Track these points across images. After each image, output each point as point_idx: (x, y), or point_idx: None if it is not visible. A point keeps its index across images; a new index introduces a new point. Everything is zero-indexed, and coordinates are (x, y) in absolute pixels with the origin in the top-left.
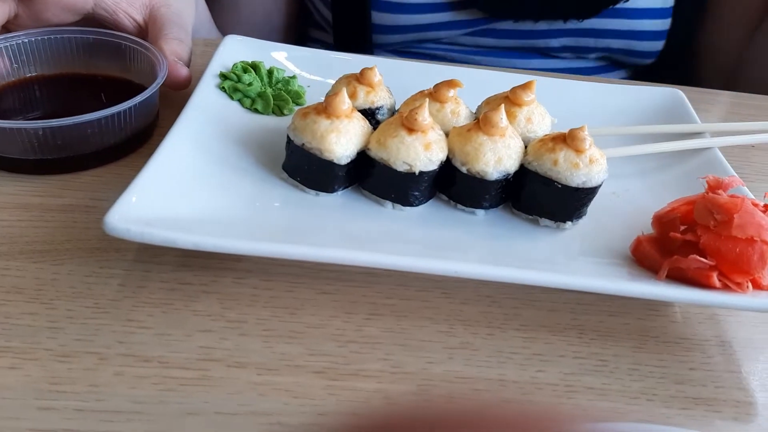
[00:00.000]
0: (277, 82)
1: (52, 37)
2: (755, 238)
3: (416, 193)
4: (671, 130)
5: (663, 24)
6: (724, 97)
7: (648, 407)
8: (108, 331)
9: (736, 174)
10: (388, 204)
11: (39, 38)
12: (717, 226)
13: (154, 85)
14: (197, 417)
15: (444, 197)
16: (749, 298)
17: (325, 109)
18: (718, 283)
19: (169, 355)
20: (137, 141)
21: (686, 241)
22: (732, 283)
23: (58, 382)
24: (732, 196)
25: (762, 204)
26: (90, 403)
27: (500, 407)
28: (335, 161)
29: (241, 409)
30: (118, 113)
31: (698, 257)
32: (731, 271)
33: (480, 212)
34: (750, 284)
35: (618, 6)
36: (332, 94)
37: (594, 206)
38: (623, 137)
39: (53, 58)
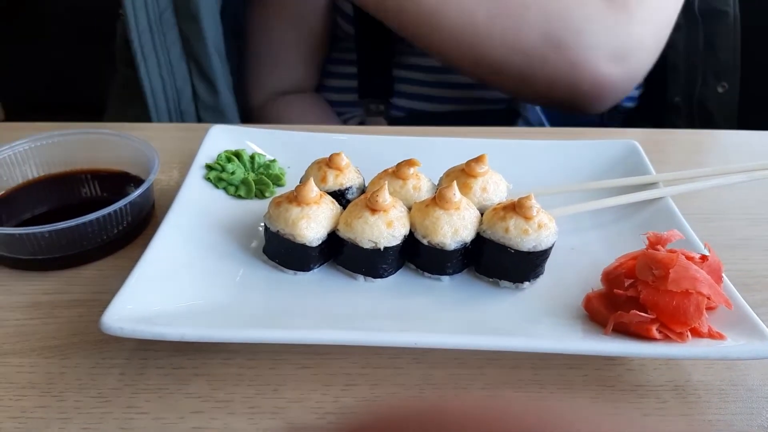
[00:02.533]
0: (259, 167)
1: (53, 140)
2: (690, 291)
3: (384, 266)
4: (625, 183)
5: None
6: (689, 135)
7: None
8: (111, 418)
9: (685, 221)
10: (360, 277)
11: (42, 143)
12: (655, 281)
13: (146, 182)
14: None
15: (412, 266)
16: (688, 347)
17: (295, 197)
18: (658, 335)
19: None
20: (135, 233)
21: (629, 297)
22: (672, 334)
23: None
24: (670, 251)
25: (698, 256)
26: None
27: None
28: (307, 244)
29: None
30: (116, 211)
31: (638, 312)
32: (670, 322)
33: (445, 278)
34: (689, 333)
35: None
36: (302, 183)
37: (553, 263)
38: (582, 192)
39: (56, 159)
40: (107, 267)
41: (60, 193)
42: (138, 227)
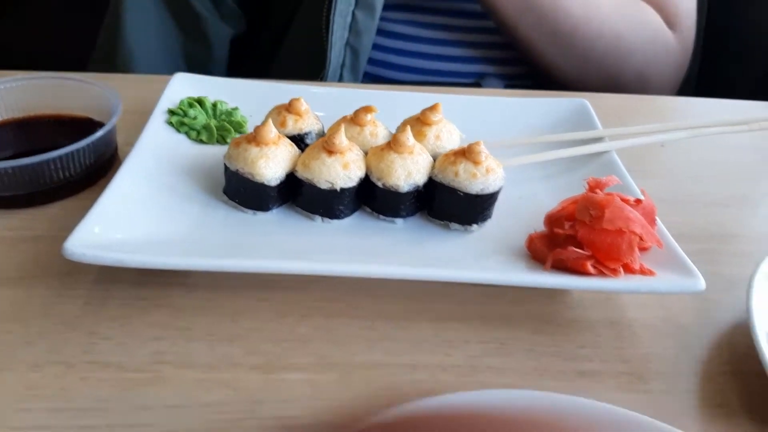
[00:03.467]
0: (221, 114)
1: (17, 84)
2: (624, 230)
3: (341, 207)
4: (573, 137)
5: None
6: (634, 101)
7: (539, 381)
8: (74, 343)
9: (628, 174)
10: (318, 218)
11: (5, 86)
12: (592, 220)
13: (108, 124)
14: (150, 410)
15: (368, 209)
16: (620, 281)
17: (254, 138)
18: (592, 270)
19: (126, 361)
20: (98, 174)
21: (568, 236)
22: (606, 269)
23: (32, 387)
24: (607, 195)
25: (633, 200)
26: (59, 404)
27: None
28: (266, 183)
29: (188, 402)
30: (78, 150)
31: (575, 249)
32: (605, 258)
33: (399, 221)
34: (622, 269)
35: None
36: (261, 124)
37: (500, 209)
38: (534, 146)
39: (20, 103)
40: (71, 206)
41: (24, 136)
42: (101, 168)
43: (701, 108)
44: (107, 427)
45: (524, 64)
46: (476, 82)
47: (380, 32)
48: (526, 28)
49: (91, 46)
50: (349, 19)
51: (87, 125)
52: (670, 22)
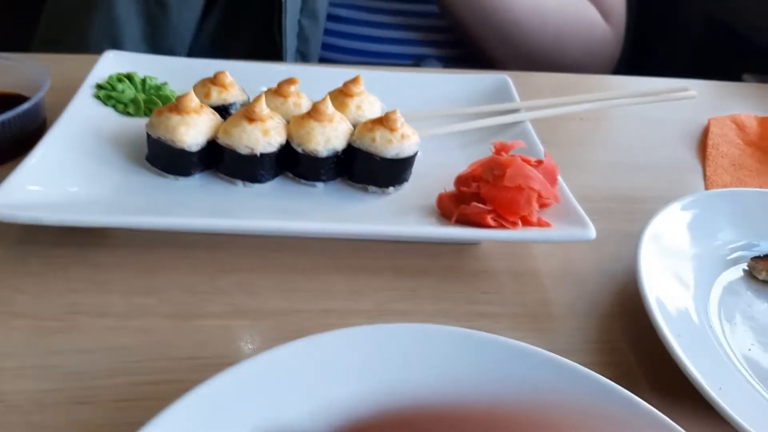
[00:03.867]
0: (150, 89)
1: None
2: (523, 186)
3: (262, 172)
4: (490, 109)
5: None
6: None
7: (442, 321)
8: None
9: (539, 142)
10: (240, 182)
11: None
12: (495, 179)
13: (35, 97)
14: (61, 354)
15: (290, 175)
16: (517, 232)
17: (176, 107)
18: (492, 223)
19: (41, 312)
20: (26, 145)
21: (473, 194)
22: (506, 222)
23: None
24: (510, 157)
25: (535, 160)
26: None
27: None
28: (186, 149)
29: (100, 346)
30: (4, 121)
31: (477, 204)
32: (505, 213)
33: (320, 185)
34: (521, 222)
35: None
36: (182, 95)
37: (417, 174)
38: (455, 118)
39: None
40: None
41: None
42: (28, 140)
43: (619, 84)
44: (16, 369)
45: (463, 46)
46: (414, 63)
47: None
48: (476, 24)
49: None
50: (296, 29)
51: (16, 100)
52: (605, 13)
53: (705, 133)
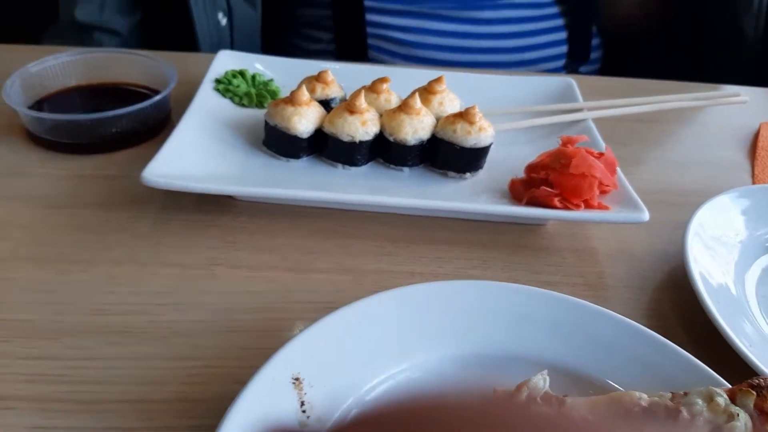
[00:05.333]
0: (259, 84)
1: (87, 56)
2: (586, 174)
3: (359, 157)
4: (556, 108)
5: None
6: (616, 82)
7: None
8: (144, 249)
9: (601, 139)
10: (339, 165)
11: (78, 57)
12: (561, 167)
13: (167, 89)
14: (207, 294)
15: (381, 161)
16: (581, 213)
17: (290, 100)
18: (559, 204)
19: (187, 262)
20: (155, 130)
21: (542, 179)
22: (570, 204)
23: (114, 277)
24: (575, 148)
25: (596, 152)
26: (136, 289)
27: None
28: (298, 135)
29: (237, 289)
30: (143, 108)
31: (546, 188)
32: (570, 196)
33: (406, 170)
34: (583, 205)
35: None
36: (295, 90)
37: (490, 164)
38: (525, 115)
39: (87, 72)
40: (134, 154)
41: (95, 97)
42: (157, 126)
43: (675, 89)
44: (174, 305)
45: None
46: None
47: (376, 25)
48: None
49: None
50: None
51: (144, 92)
52: None
53: (756, 136)
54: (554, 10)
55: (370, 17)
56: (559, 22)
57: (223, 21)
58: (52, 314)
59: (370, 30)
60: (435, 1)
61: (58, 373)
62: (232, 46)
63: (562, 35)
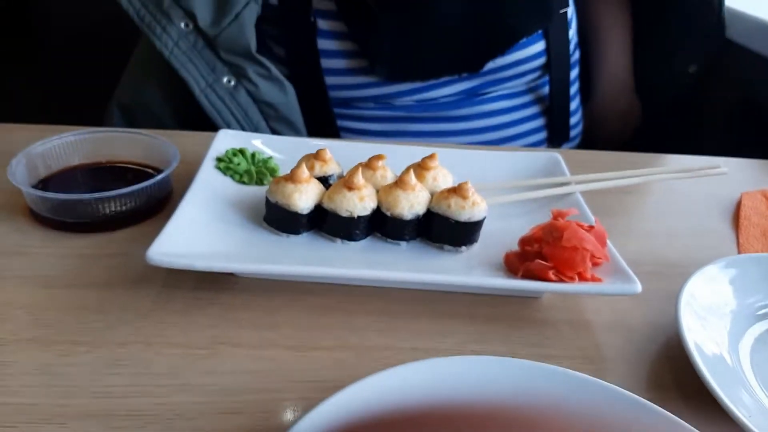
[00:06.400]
0: (258, 162)
1: (91, 135)
2: (578, 246)
3: (357, 232)
4: (545, 182)
5: (540, 46)
6: (605, 156)
7: None
8: (147, 327)
9: (589, 211)
10: (338, 240)
11: (82, 137)
12: (554, 240)
13: (169, 168)
14: (212, 374)
15: (378, 235)
16: (575, 285)
17: (291, 177)
18: (554, 277)
19: (190, 342)
20: (156, 209)
21: (536, 252)
22: (565, 277)
23: (120, 358)
24: (566, 222)
25: (587, 225)
26: (142, 370)
27: None
28: (299, 212)
29: (241, 369)
30: (145, 187)
31: (540, 261)
32: (563, 269)
33: (403, 243)
34: (577, 277)
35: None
36: (295, 167)
37: (484, 236)
38: (514, 189)
39: (90, 152)
40: (135, 233)
41: (98, 176)
42: (159, 205)
43: (659, 161)
44: (179, 386)
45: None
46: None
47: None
48: None
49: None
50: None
51: (145, 171)
52: None
53: (738, 206)
54: (530, 98)
55: (342, 123)
56: (537, 109)
57: (231, 83)
58: (56, 398)
59: (343, 134)
60: (411, 108)
61: None
62: (270, 126)
63: (541, 122)
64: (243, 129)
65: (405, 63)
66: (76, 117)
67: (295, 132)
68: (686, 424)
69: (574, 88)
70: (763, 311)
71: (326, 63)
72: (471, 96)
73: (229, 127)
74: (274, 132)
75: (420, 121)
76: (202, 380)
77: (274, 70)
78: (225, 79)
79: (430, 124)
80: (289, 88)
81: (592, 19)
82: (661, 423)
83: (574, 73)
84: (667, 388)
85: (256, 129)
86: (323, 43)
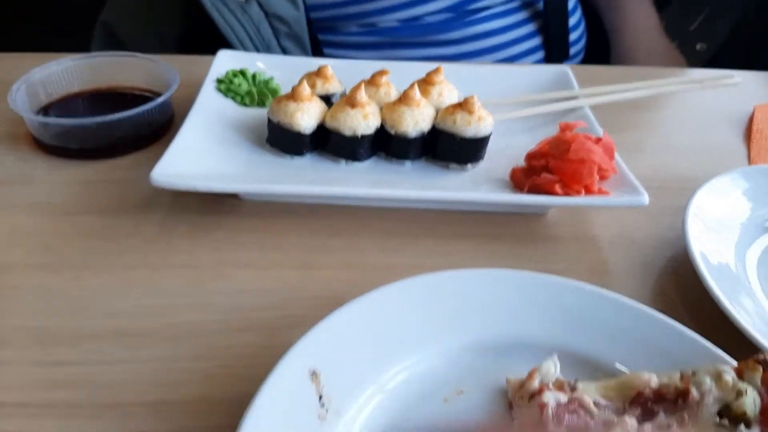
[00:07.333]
0: (260, 83)
1: (90, 60)
2: (585, 159)
3: (361, 151)
4: (553, 96)
5: None
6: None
7: None
8: (155, 253)
9: (597, 124)
10: (342, 161)
11: (81, 62)
12: (560, 153)
13: (169, 91)
14: (217, 294)
15: (383, 155)
16: (581, 198)
17: (292, 96)
18: (560, 191)
19: (197, 263)
20: (159, 133)
21: (542, 166)
22: (571, 190)
23: (126, 281)
24: (574, 134)
25: (595, 137)
26: (148, 291)
27: None
28: (302, 132)
29: (246, 288)
30: (145, 111)
31: (547, 174)
32: (570, 182)
33: (408, 163)
34: (584, 190)
35: None
36: (297, 85)
37: (490, 154)
38: (522, 104)
39: (91, 77)
40: (139, 158)
41: (99, 102)
42: (161, 129)
43: (669, 74)
44: (187, 305)
45: None
46: None
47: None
48: None
49: None
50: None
51: (149, 95)
52: None
53: (751, 119)
54: (524, 15)
55: (328, 51)
56: (532, 27)
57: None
58: (67, 320)
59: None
60: (397, 31)
61: (77, 378)
62: (280, 44)
63: (538, 41)
64: (256, 47)
65: None
66: (63, 42)
67: (303, 53)
68: (691, 332)
69: (572, 2)
70: None
71: None
72: (460, 15)
73: (242, 44)
74: (285, 52)
75: (408, 47)
76: (210, 300)
77: None
78: None
79: (418, 49)
80: (300, 2)
81: None
82: (665, 331)
83: None
84: (671, 299)
85: (267, 47)
86: None
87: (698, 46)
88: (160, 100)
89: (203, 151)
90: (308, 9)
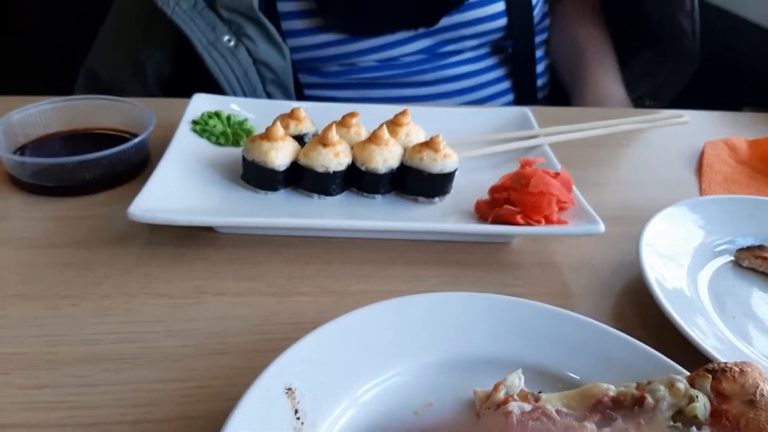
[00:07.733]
0: (234, 124)
1: (67, 103)
2: (544, 192)
3: (333, 186)
4: (515, 135)
5: (499, 6)
6: (568, 111)
7: None
8: (133, 282)
9: (556, 160)
10: (315, 196)
11: (58, 105)
12: (521, 187)
13: (146, 132)
14: (195, 320)
15: (354, 190)
16: (541, 228)
17: (266, 135)
18: (521, 221)
19: (174, 293)
20: (135, 172)
21: (504, 198)
22: (531, 220)
23: (105, 309)
24: (533, 169)
25: (553, 172)
26: (127, 319)
27: None
28: (275, 169)
29: (223, 315)
30: (123, 149)
31: (509, 206)
32: (530, 213)
33: (378, 197)
34: (543, 221)
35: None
36: (270, 126)
37: (456, 188)
38: (485, 143)
39: (68, 119)
40: (115, 195)
41: (76, 142)
42: (138, 167)
43: (623, 115)
44: (165, 331)
45: None
46: None
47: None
48: None
49: None
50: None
51: (122, 136)
52: None
53: (701, 154)
54: (494, 60)
55: (309, 92)
56: (501, 72)
57: (231, 43)
58: (46, 346)
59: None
60: (374, 70)
61: (58, 400)
62: (266, 89)
63: (507, 84)
64: (243, 91)
65: (358, 16)
66: (46, 87)
67: (287, 99)
68: (646, 347)
69: (540, 52)
70: (722, 247)
71: (287, 25)
72: (433, 57)
73: (231, 87)
74: (270, 97)
75: (384, 87)
76: (188, 326)
77: (273, 32)
78: (225, 38)
79: (394, 89)
80: (287, 53)
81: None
82: (622, 346)
83: (539, 38)
84: (628, 319)
85: (253, 91)
86: (283, 6)
87: (647, 103)
88: (136, 140)
89: (179, 188)
90: (291, 51)
